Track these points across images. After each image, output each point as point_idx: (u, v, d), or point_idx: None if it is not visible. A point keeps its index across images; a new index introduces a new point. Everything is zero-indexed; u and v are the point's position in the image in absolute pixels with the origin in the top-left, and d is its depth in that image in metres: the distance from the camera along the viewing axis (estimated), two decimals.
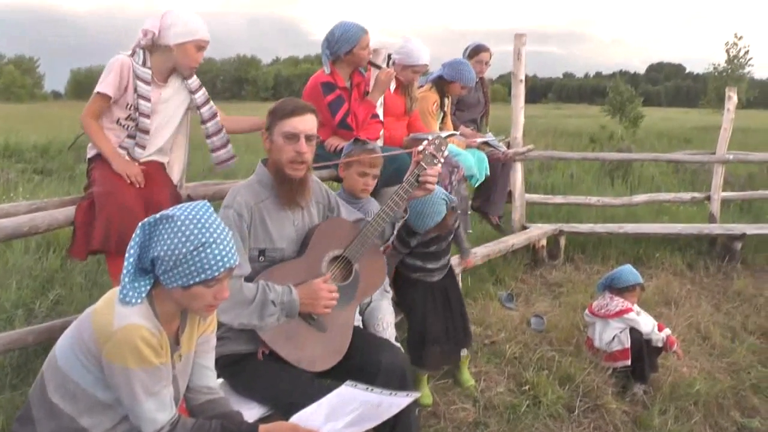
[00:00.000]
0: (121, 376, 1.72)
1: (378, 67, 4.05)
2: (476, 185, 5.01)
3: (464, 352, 3.47)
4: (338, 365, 2.50)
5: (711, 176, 6.96)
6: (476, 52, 5.40)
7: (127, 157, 3.05)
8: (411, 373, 2.73)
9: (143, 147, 3.08)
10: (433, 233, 3.21)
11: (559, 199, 7.11)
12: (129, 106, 3.01)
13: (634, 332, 3.64)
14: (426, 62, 4.38)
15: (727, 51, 53.65)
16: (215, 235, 1.75)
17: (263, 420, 2.26)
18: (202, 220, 1.76)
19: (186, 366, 1.99)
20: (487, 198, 5.67)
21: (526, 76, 6.02)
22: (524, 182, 6.16)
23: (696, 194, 7.10)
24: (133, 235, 1.78)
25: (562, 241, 5.99)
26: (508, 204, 6.02)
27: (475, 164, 4.65)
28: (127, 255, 1.77)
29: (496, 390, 3.46)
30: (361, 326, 3.08)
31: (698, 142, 16.19)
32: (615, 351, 3.66)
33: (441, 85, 4.86)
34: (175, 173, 3.30)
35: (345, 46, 3.80)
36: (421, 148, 2.58)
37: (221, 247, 1.76)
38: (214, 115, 3.29)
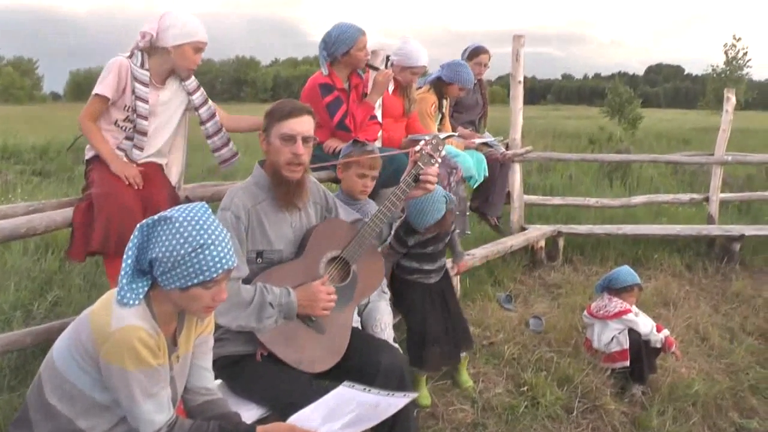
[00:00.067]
0: (118, 377, 1.72)
1: (375, 69, 4.05)
2: (475, 186, 5.01)
3: (462, 354, 3.47)
4: (337, 366, 2.50)
5: (709, 177, 6.95)
6: (475, 53, 5.40)
7: (124, 159, 3.05)
8: (409, 374, 2.73)
9: (141, 149, 3.08)
10: (432, 232, 3.22)
11: (557, 200, 7.11)
12: (127, 108, 3.01)
13: (633, 333, 3.64)
14: (424, 63, 4.39)
15: (726, 52, 53.75)
16: (213, 237, 1.76)
17: (261, 421, 2.26)
18: (200, 222, 1.76)
19: (184, 367, 1.99)
20: (486, 199, 5.67)
21: (525, 78, 6.03)
22: (523, 183, 6.16)
23: (694, 195, 7.09)
24: (131, 237, 1.78)
25: (561, 243, 5.99)
26: (507, 205, 6.02)
27: (474, 165, 4.65)
28: (125, 256, 1.77)
29: (494, 391, 3.46)
30: (360, 327, 3.08)
31: (697, 144, 16.21)
32: (614, 352, 3.66)
33: (439, 86, 4.86)
34: (174, 175, 3.30)
35: (342, 47, 3.80)
36: (418, 148, 2.59)
37: (219, 248, 1.76)
38: (213, 116, 3.29)
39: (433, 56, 4.56)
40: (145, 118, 3.03)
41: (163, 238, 1.74)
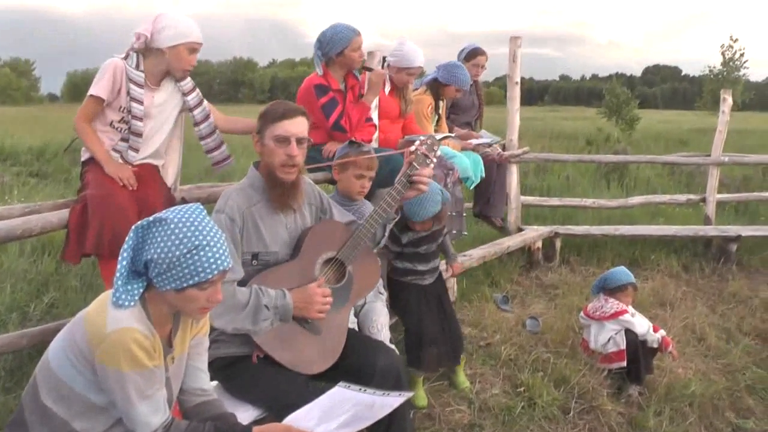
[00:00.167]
0: (114, 379, 1.72)
1: (371, 70, 4.05)
2: (472, 187, 5.01)
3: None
4: (333, 368, 2.50)
5: (706, 178, 6.97)
6: (473, 55, 5.40)
7: (120, 161, 3.04)
8: (406, 375, 2.73)
9: (136, 150, 3.07)
10: (427, 227, 3.24)
11: (554, 201, 7.13)
12: (122, 109, 3.01)
13: (630, 334, 3.64)
14: (420, 64, 4.38)
15: (723, 53, 53.76)
16: (208, 238, 1.75)
17: (257, 422, 2.25)
18: (195, 223, 1.76)
19: (179, 368, 1.99)
20: (487, 201, 5.66)
21: (523, 79, 6.04)
22: (520, 184, 6.17)
23: (691, 196, 7.11)
24: (126, 238, 1.78)
25: (558, 243, 6.00)
26: (505, 206, 6.02)
27: (471, 166, 4.65)
28: (120, 258, 1.77)
29: (491, 392, 3.46)
30: (356, 328, 3.08)
31: (694, 144, 16.25)
32: (610, 353, 3.66)
33: (436, 87, 4.86)
34: (170, 176, 3.29)
35: (336, 47, 3.79)
36: (413, 148, 2.59)
37: (214, 249, 1.76)
38: (207, 117, 3.29)
39: (429, 57, 4.57)
40: (140, 119, 3.03)
41: (158, 239, 1.74)
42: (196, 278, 1.75)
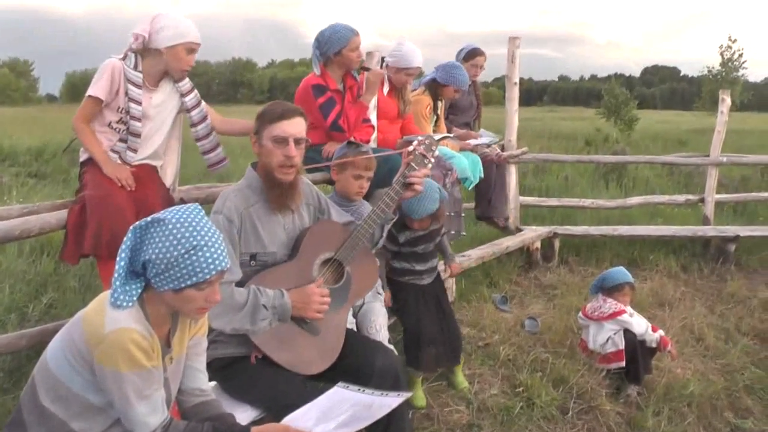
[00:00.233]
0: (112, 379, 1.72)
1: (368, 70, 4.05)
2: (470, 188, 5.01)
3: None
4: (332, 368, 2.50)
5: (705, 178, 6.99)
6: (472, 55, 5.40)
7: (118, 161, 3.04)
8: (404, 375, 2.73)
9: (135, 150, 3.07)
10: (425, 225, 3.24)
11: (553, 201, 7.14)
12: (120, 110, 3.01)
13: (628, 334, 3.64)
14: (419, 65, 4.39)
15: (722, 54, 53.82)
16: (206, 238, 1.76)
17: (256, 423, 2.26)
18: (193, 224, 1.76)
19: (178, 369, 1.99)
20: (489, 202, 5.64)
21: (522, 79, 6.05)
22: (519, 185, 6.17)
23: (690, 196, 7.13)
24: (125, 239, 1.78)
25: (557, 244, 6.00)
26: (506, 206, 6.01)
27: (469, 167, 4.65)
28: (118, 258, 1.77)
29: (489, 392, 3.46)
30: (355, 329, 3.08)
31: (693, 145, 16.26)
32: (609, 353, 3.66)
33: (434, 88, 4.86)
34: (169, 176, 3.29)
35: (334, 46, 3.79)
36: (411, 148, 2.59)
37: (212, 249, 1.76)
38: (204, 118, 3.29)
39: (429, 57, 4.59)
40: (138, 120, 3.03)
41: (156, 239, 1.74)
42: (194, 278, 1.75)
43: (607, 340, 3.68)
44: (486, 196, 5.59)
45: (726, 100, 6.78)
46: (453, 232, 4.32)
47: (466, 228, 4.85)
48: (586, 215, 7.15)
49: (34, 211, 2.94)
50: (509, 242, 5.49)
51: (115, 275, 1.76)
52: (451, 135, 4.88)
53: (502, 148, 5.82)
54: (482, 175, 4.94)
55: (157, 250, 1.73)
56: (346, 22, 3.92)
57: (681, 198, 7.14)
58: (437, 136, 2.81)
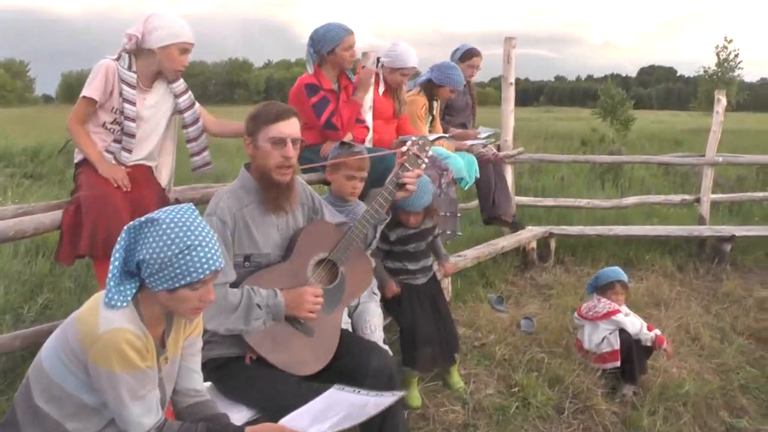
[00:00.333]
0: (106, 379, 1.71)
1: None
2: (466, 188, 5.00)
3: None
4: (326, 369, 2.50)
5: (701, 178, 7.00)
6: (468, 56, 5.40)
7: (113, 162, 3.04)
8: (399, 376, 2.73)
9: (129, 151, 3.07)
10: (420, 219, 3.26)
11: (549, 201, 7.14)
12: (114, 110, 3.01)
13: (624, 333, 3.64)
14: (414, 65, 4.39)
15: (718, 54, 54.02)
16: (200, 238, 1.76)
17: (251, 423, 2.25)
18: (187, 224, 1.76)
19: (172, 369, 1.99)
20: (492, 202, 5.59)
21: (518, 79, 6.05)
22: (515, 185, 6.18)
23: (686, 196, 7.14)
24: (119, 239, 1.78)
25: (553, 244, 6.00)
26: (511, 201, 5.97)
27: (465, 167, 4.65)
28: (112, 258, 1.77)
29: (485, 392, 3.46)
30: (350, 329, 3.08)
31: (689, 145, 16.28)
32: (604, 352, 3.67)
33: (430, 88, 4.86)
34: (164, 177, 3.29)
35: (327, 45, 3.78)
36: (404, 149, 2.59)
37: (206, 249, 1.76)
38: (196, 120, 3.29)
39: (425, 57, 4.58)
40: (133, 120, 3.02)
41: (150, 239, 1.74)
42: (188, 278, 1.74)
43: (603, 339, 3.68)
44: (489, 197, 5.52)
45: (722, 101, 6.79)
46: (449, 233, 4.31)
47: (462, 228, 4.85)
48: (582, 215, 7.16)
49: (29, 212, 2.94)
50: (505, 242, 5.49)
51: (109, 275, 1.75)
52: (447, 135, 4.88)
53: (498, 148, 5.82)
54: (478, 176, 4.93)
55: (150, 250, 1.73)
56: (342, 21, 3.91)
57: (677, 198, 7.15)
58: (431, 137, 2.81)
